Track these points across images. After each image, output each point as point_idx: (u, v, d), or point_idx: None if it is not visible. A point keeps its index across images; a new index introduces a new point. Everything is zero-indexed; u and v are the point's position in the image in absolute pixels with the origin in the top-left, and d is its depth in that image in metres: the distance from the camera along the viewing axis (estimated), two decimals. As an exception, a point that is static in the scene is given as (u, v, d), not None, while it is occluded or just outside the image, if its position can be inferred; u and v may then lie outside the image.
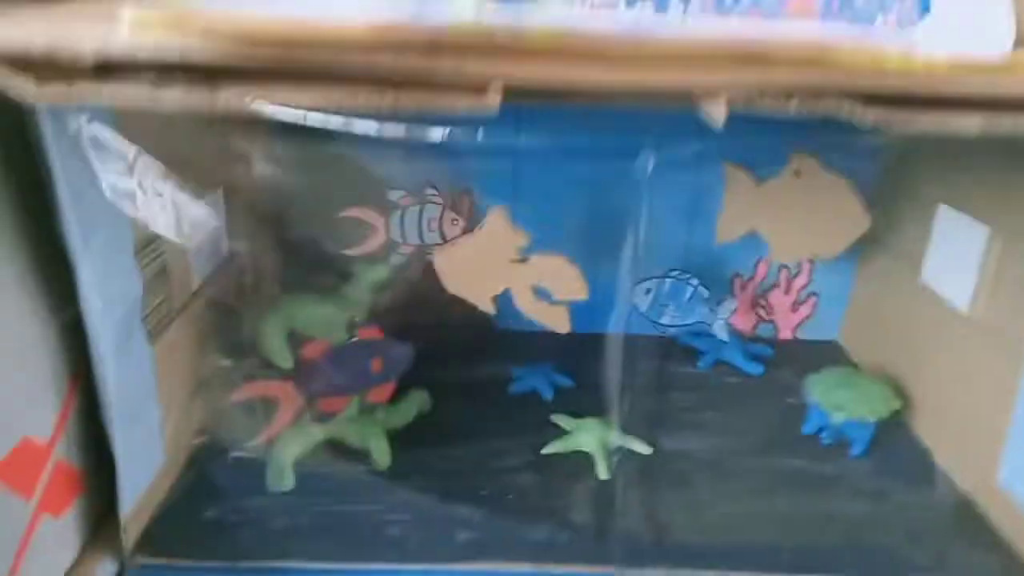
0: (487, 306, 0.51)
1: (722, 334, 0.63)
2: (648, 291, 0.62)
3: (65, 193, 0.37)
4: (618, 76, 0.26)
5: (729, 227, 0.64)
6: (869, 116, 0.28)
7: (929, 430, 0.58)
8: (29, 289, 0.40)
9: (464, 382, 0.64)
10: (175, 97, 0.27)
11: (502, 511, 0.49)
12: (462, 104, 0.27)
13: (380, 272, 0.56)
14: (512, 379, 0.64)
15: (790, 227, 0.61)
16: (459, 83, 0.26)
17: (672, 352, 0.70)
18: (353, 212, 0.62)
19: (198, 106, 0.27)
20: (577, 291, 0.50)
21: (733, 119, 0.37)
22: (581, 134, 0.34)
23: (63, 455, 0.42)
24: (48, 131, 0.36)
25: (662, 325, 0.64)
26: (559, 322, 0.51)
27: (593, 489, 0.52)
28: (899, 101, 0.28)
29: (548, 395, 0.63)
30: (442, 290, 0.69)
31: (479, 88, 0.27)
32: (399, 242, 0.65)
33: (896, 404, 0.57)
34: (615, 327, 0.49)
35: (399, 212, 0.64)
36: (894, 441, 0.57)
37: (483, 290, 0.50)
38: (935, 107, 0.28)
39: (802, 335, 0.74)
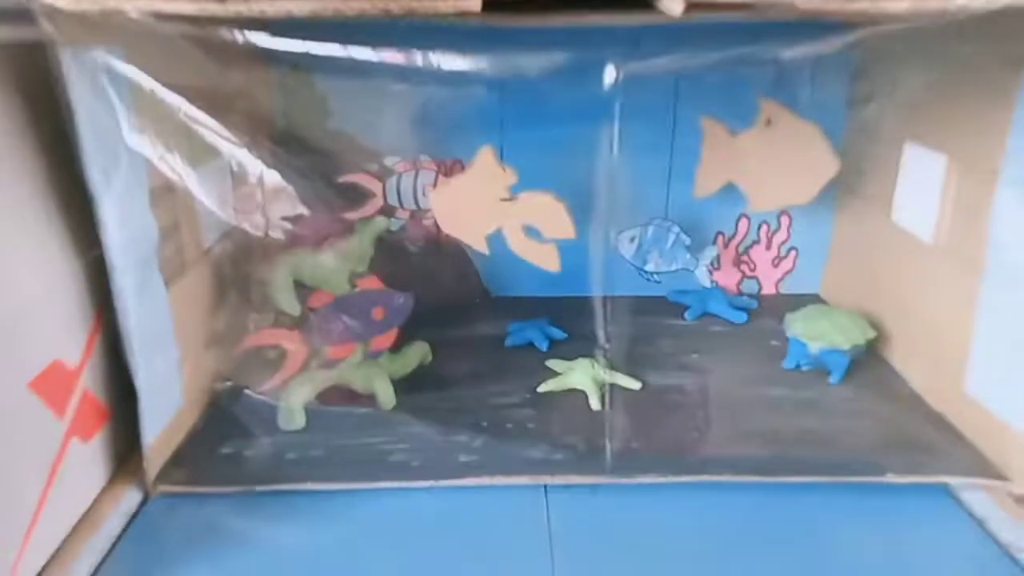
0: (480, 245, 0.55)
1: (704, 279, 0.67)
2: (632, 239, 0.66)
3: (87, 131, 0.41)
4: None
5: (707, 180, 0.68)
6: (809, 3, 0.31)
7: (903, 359, 0.61)
8: (57, 227, 0.44)
9: (462, 339, 0.67)
10: (188, 6, 0.31)
11: (501, 437, 0.52)
12: (447, 6, 0.31)
13: (378, 225, 0.59)
14: (508, 334, 0.68)
15: (765, 176, 0.65)
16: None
17: (661, 308, 0.73)
18: (352, 177, 0.66)
19: (210, 13, 0.31)
20: (565, 229, 0.54)
21: (690, 33, 0.41)
22: (553, 54, 0.38)
23: (90, 385, 0.46)
24: (71, 71, 0.40)
25: (647, 272, 0.67)
26: (549, 261, 0.55)
27: (587, 418, 0.55)
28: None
29: (543, 346, 0.66)
30: (439, 263, 0.73)
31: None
32: (395, 206, 0.68)
33: (871, 333, 0.60)
34: (596, 261, 0.52)
35: (395, 178, 0.68)
36: (871, 370, 0.61)
37: (476, 229, 0.54)
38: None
39: (785, 289, 0.77)
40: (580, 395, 0.58)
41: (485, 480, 0.48)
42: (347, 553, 0.44)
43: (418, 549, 0.44)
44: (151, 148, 0.45)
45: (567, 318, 0.69)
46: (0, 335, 0.38)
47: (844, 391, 0.58)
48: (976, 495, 0.47)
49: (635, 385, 0.58)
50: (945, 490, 0.48)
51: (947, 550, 0.45)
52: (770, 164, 0.64)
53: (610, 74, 0.41)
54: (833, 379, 0.59)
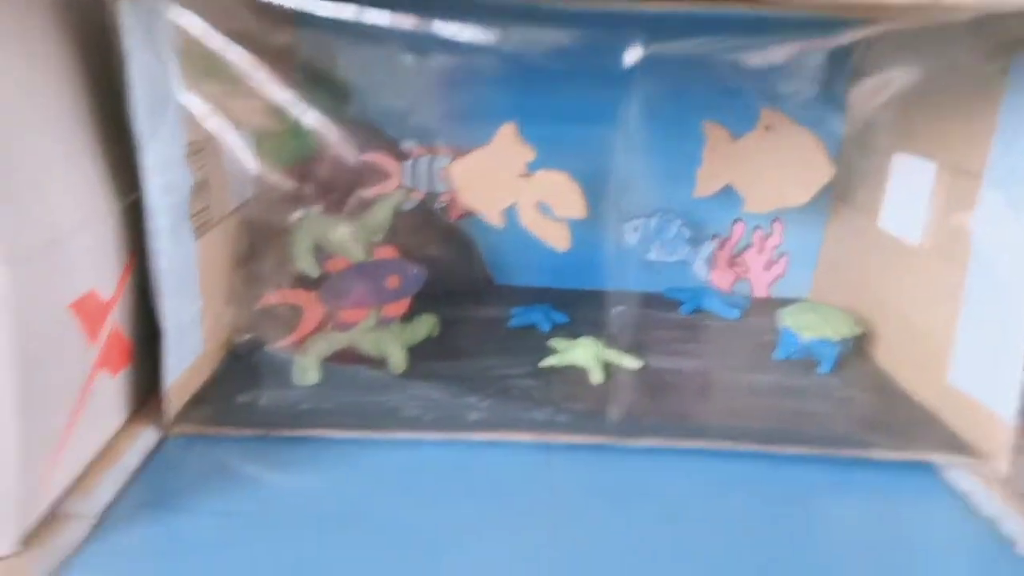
0: (495, 219, 0.57)
1: (701, 272, 0.70)
2: (636, 228, 0.69)
3: (138, 80, 0.44)
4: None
5: (707, 181, 0.71)
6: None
7: (888, 357, 0.64)
8: (101, 168, 0.46)
9: (467, 318, 0.69)
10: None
11: (508, 400, 0.55)
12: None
13: (397, 197, 0.62)
14: (512, 316, 0.70)
15: (762, 179, 0.68)
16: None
17: (658, 303, 0.76)
18: (371, 156, 0.68)
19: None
20: (577, 208, 0.56)
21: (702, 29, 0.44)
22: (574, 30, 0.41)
23: (119, 322, 0.47)
24: (126, 21, 0.42)
25: (649, 261, 0.70)
26: (560, 239, 0.57)
27: (589, 389, 0.57)
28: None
29: (546, 328, 0.68)
30: (444, 247, 0.76)
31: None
32: (411, 188, 0.71)
33: (858, 329, 0.63)
34: (610, 235, 0.55)
35: (412, 160, 0.71)
36: (858, 366, 0.64)
37: (492, 202, 0.56)
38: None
39: (776, 294, 0.80)
40: (581, 371, 0.60)
41: (493, 435, 0.50)
42: (354, 496, 0.46)
43: (423, 494, 0.46)
44: (197, 104, 0.47)
45: (569, 308, 0.71)
46: (47, 255, 0.39)
47: (833, 380, 0.61)
48: (959, 473, 0.50)
49: (636, 364, 0.61)
50: (930, 468, 0.51)
51: (932, 521, 0.47)
52: (768, 167, 0.67)
53: (634, 53, 0.44)
54: (822, 369, 0.62)
